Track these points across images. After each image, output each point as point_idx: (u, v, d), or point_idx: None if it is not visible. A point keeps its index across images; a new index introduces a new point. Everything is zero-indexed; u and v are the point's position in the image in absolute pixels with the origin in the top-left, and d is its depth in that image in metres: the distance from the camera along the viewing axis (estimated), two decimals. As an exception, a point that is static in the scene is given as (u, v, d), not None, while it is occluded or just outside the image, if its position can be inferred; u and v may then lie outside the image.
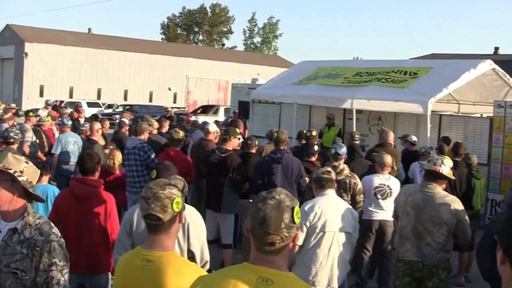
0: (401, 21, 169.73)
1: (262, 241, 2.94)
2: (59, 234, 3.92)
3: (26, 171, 3.95)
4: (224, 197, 9.75)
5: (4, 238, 3.87)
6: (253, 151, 11.11)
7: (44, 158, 14.23)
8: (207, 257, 5.48)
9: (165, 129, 15.35)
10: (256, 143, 11.32)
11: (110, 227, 6.36)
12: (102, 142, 13.21)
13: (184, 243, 5.29)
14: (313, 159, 10.94)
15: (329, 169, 7.20)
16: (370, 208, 9.46)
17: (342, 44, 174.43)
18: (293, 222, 2.95)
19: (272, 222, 2.90)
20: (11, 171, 3.86)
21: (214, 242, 9.76)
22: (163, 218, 3.56)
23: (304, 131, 13.61)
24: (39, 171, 4.14)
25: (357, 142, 12.98)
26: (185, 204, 5.57)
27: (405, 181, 12.03)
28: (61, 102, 44.96)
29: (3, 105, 31.23)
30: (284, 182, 9.65)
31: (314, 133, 13.20)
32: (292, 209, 2.96)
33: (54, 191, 9.15)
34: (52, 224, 3.96)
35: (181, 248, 5.24)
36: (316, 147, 11.15)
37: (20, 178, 3.88)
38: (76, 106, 21.42)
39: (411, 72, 16.97)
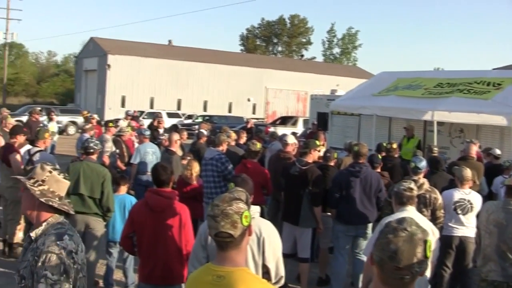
0: (483, 31, 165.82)
1: (391, 276, 2.82)
2: (69, 248, 3.80)
3: (48, 180, 3.98)
4: (303, 210, 9.63)
5: (24, 245, 4.00)
6: (332, 163, 10.98)
7: (123, 168, 14.44)
8: (282, 272, 5.38)
9: (243, 140, 15.35)
10: (335, 156, 11.18)
11: (185, 239, 6.34)
12: (180, 152, 13.29)
13: (259, 258, 5.21)
14: (378, 170, 10.78)
15: (412, 185, 6.98)
16: (450, 224, 9.18)
17: (422, 54, 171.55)
18: (425, 256, 2.82)
19: (404, 257, 2.77)
20: (32, 181, 3.93)
21: (290, 256, 9.66)
22: (234, 234, 3.47)
23: (384, 144, 13.37)
24: (65, 182, 4.10)
25: (435, 155, 12.64)
26: (261, 218, 5.53)
27: (488, 196, 11.67)
28: (141, 112, 45.76)
29: (86, 113, 31.97)
30: (362, 196, 9.49)
31: (394, 145, 12.95)
32: (425, 242, 2.83)
33: (131, 201, 9.25)
34: (66, 237, 3.84)
35: (256, 262, 5.17)
36: (379, 157, 10.98)
37: (40, 187, 3.93)
38: (156, 117, 21.69)
39: (495, 83, 16.49)
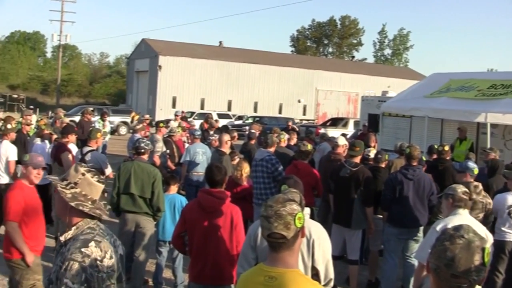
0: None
1: (448, 284, 2.77)
2: (93, 256, 3.70)
3: (80, 183, 3.93)
4: (354, 212, 9.55)
5: (56, 248, 3.95)
6: (383, 165, 10.87)
7: (174, 168, 14.53)
8: (331, 274, 5.32)
9: (293, 141, 15.30)
10: (386, 158, 11.07)
11: (236, 240, 6.32)
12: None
13: (308, 260, 5.16)
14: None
15: (468, 189, 6.83)
16: (503, 228, 9.00)
17: (475, 55, 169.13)
18: (483, 264, 2.76)
19: (461, 265, 2.73)
20: (64, 183, 3.90)
21: (340, 258, 9.59)
22: (287, 236, 3.44)
23: (436, 146, 13.18)
24: (98, 185, 4.01)
25: (495, 158, 12.33)
26: (311, 220, 5.49)
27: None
28: (192, 113, 46.03)
29: (138, 116, 32.30)
30: (415, 199, 9.38)
31: (446, 147, 12.74)
32: (483, 249, 2.77)
33: (181, 200, 9.30)
34: (93, 243, 3.75)
35: (305, 264, 5.13)
36: (424, 159, 10.85)
37: (72, 190, 3.88)
38: (207, 117, 21.78)
39: (551, 84, 16.15)
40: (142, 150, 9.04)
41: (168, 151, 14.71)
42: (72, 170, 3.97)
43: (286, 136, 14.63)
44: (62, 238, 3.84)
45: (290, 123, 30.18)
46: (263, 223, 3.52)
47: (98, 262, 3.70)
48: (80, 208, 3.85)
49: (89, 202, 3.91)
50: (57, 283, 3.69)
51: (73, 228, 3.86)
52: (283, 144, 13.81)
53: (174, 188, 9.55)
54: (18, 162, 11.97)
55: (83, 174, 3.94)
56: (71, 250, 3.68)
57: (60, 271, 3.66)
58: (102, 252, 3.74)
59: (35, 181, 7.16)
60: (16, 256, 6.82)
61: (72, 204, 3.84)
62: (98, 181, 3.99)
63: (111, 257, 3.79)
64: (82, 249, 3.67)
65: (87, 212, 3.87)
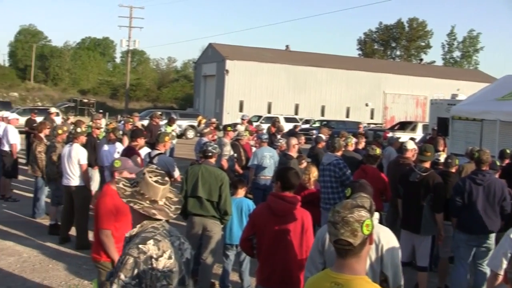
0: None
1: None
2: (149, 253, 3.75)
3: (140, 183, 3.98)
4: (423, 218, 9.39)
5: (124, 244, 4.00)
6: (453, 170, 10.66)
7: (241, 171, 14.57)
8: (400, 280, 5.26)
9: (362, 145, 15.18)
10: (456, 162, 10.85)
11: (305, 244, 6.27)
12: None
13: (377, 265, 5.11)
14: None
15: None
16: None
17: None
18: None
19: None
20: (131, 180, 3.99)
21: (408, 264, 9.45)
22: (354, 243, 3.40)
23: (507, 150, 12.85)
24: (157, 186, 4.02)
25: None
26: (380, 225, 5.42)
27: None
28: (259, 117, 46.17)
29: (205, 120, 32.55)
30: (485, 205, 9.16)
31: (519, 152, 12.44)
32: None
33: (249, 204, 9.30)
34: (151, 241, 3.80)
35: (374, 270, 5.07)
36: (497, 163, 10.58)
37: (132, 188, 3.97)
38: (274, 121, 21.80)
39: None
40: (210, 154, 9.08)
41: (235, 154, 14.76)
42: (141, 170, 4.06)
43: (354, 140, 14.52)
44: (127, 235, 3.93)
45: (361, 127, 29.95)
46: (330, 229, 3.49)
47: (153, 260, 3.73)
48: (131, 205, 3.92)
49: (147, 202, 3.95)
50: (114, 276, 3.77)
51: (138, 226, 3.93)
52: (351, 148, 13.70)
53: (241, 192, 9.56)
54: (88, 165, 12.21)
55: (143, 174, 4.00)
56: (130, 245, 3.77)
57: (118, 266, 3.76)
58: (160, 251, 3.78)
59: None
60: (105, 259, 6.94)
61: (125, 200, 3.93)
62: (157, 181, 4.01)
63: (169, 258, 3.81)
64: (140, 246, 3.74)
65: (137, 209, 3.92)
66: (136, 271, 3.68)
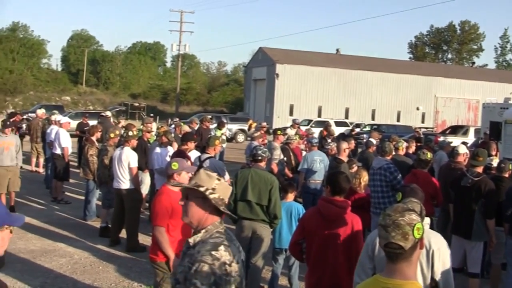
0: None
1: None
2: (223, 259, 3.71)
3: (218, 188, 3.94)
4: (475, 223, 9.23)
5: (183, 250, 3.97)
6: (506, 175, 10.46)
7: (291, 175, 14.55)
8: (451, 286, 5.16)
9: (412, 149, 15.02)
10: (509, 167, 10.64)
11: (355, 249, 6.22)
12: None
13: (427, 271, 5.05)
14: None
15: None
16: None
17: None
18: None
19: None
20: (203, 189, 3.88)
21: (460, 270, 9.29)
22: (405, 246, 3.36)
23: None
24: (230, 188, 4.08)
25: None
26: (431, 230, 5.35)
27: None
28: (309, 121, 46.09)
29: (255, 124, 32.58)
30: (540, 210, 8.96)
31: None
32: None
33: (298, 208, 9.25)
34: (222, 247, 3.75)
35: (424, 276, 5.02)
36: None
37: (211, 196, 3.89)
38: (326, 126, 21.73)
39: None
40: (260, 157, 9.07)
41: (285, 158, 14.73)
42: (204, 176, 3.99)
43: (405, 144, 14.37)
44: (191, 241, 3.87)
45: (418, 131, 29.68)
46: (380, 232, 3.46)
47: (227, 265, 3.71)
48: (207, 193, 3.90)
49: (224, 206, 3.98)
50: (185, 283, 3.72)
51: (202, 231, 3.88)
52: (402, 152, 13.56)
53: (291, 196, 9.52)
54: (138, 168, 12.32)
55: (219, 180, 4.00)
56: (202, 252, 3.72)
57: (189, 272, 3.70)
58: (231, 256, 3.76)
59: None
60: (161, 258, 7.02)
61: (202, 189, 3.90)
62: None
63: (237, 262, 3.81)
64: (212, 252, 3.71)
65: (212, 199, 3.91)
66: (212, 278, 3.65)
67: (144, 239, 11.90)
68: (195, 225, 3.91)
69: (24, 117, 29.52)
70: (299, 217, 8.53)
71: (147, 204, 14.16)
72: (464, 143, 14.48)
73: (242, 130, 44.31)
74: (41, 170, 21.62)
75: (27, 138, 23.29)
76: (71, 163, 17.77)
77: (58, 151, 16.78)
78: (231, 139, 40.60)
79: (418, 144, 18.20)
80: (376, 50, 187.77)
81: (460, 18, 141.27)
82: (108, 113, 25.15)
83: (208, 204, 3.90)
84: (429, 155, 10.79)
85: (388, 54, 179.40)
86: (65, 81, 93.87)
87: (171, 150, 13.01)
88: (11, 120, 21.41)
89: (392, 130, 40.81)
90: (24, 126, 24.06)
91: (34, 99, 75.10)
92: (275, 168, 13.58)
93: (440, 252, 5.12)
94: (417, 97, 68.35)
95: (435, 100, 69.91)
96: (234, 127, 44.14)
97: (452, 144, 16.29)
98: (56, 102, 68.24)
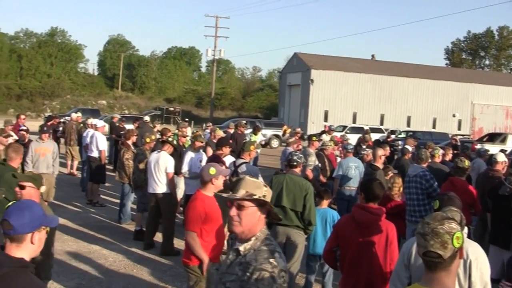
0: None
1: None
2: (280, 266, 3.70)
3: (267, 195, 3.92)
4: (514, 233, 9.10)
5: (229, 257, 3.90)
6: (545, 184, 10.30)
7: (325, 181, 14.49)
8: (489, 298, 5.08)
9: (449, 157, 14.87)
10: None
11: (390, 257, 6.16)
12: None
13: (465, 282, 4.96)
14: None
15: None
16: None
17: None
18: None
19: None
20: (256, 197, 3.84)
21: (498, 281, 9.14)
22: (443, 255, 3.31)
23: None
24: (271, 192, 4.05)
25: None
26: (468, 240, 5.27)
27: None
28: (344, 127, 45.92)
29: (289, 129, 32.56)
30: None
31: None
32: None
33: (333, 215, 9.22)
34: (276, 254, 3.75)
35: (461, 286, 4.94)
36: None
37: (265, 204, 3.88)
38: (365, 132, 21.64)
39: None
40: (295, 163, 9.04)
41: (319, 164, 14.68)
42: (253, 183, 3.95)
43: (441, 151, 14.21)
44: (242, 249, 3.82)
45: (455, 138, 29.38)
46: (419, 240, 3.42)
47: (283, 272, 3.71)
48: (259, 195, 3.88)
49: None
50: None
51: (253, 239, 3.84)
52: (438, 159, 13.42)
53: (326, 202, 9.48)
54: (174, 172, 12.36)
55: (266, 186, 3.98)
56: (260, 260, 3.70)
57: (248, 281, 3.68)
58: (284, 263, 3.78)
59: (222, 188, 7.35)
60: (194, 262, 7.04)
61: (258, 193, 3.87)
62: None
63: (288, 268, 3.85)
64: (271, 260, 3.70)
65: (263, 199, 3.90)
66: (274, 286, 3.64)
67: (179, 243, 11.92)
68: (246, 234, 3.86)
69: (61, 120, 29.85)
70: (334, 223, 8.48)
71: (181, 209, 14.20)
72: (502, 150, 14.32)
73: (277, 136, 44.35)
74: (75, 172, 21.83)
75: (62, 141, 23.56)
76: (107, 166, 17.92)
77: (94, 154, 16.95)
78: (265, 144, 40.62)
79: (455, 151, 17.98)
80: (412, 56, 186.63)
81: (498, 24, 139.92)
82: (147, 118, 25.38)
83: (260, 211, 3.89)
84: (467, 162, 10.66)
85: (424, 60, 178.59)
86: (101, 85, 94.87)
87: (203, 155, 13.05)
88: (49, 124, 21.69)
89: (428, 137, 40.47)
90: (61, 129, 24.33)
91: (71, 102, 75.97)
92: (310, 174, 13.52)
93: (477, 262, 5.03)
94: (453, 103, 67.67)
95: (472, 107, 69.15)
96: (269, 132, 44.12)
97: (489, 152, 16.12)
98: (92, 106, 68.89)
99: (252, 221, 3.85)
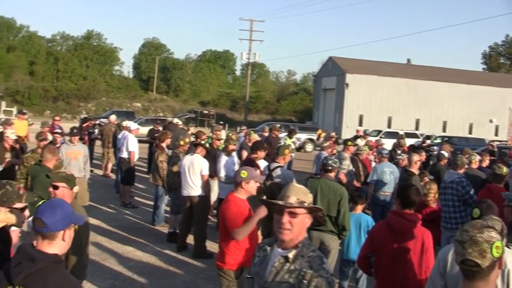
0: None
1: None
2: (330, 271, 3.71)
3: (311, 202, 3.89)
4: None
5: (275, 265, 3.82)
6: None
7: (358, 186, 14.40)
8: (528, 309, 4.97)
9: (486, 163, 14.67)
10: None
11: (425, 264, 6.08)
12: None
13: (503, 292, 4.85)
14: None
15: None
16: None
17: None
18: None
19: None
20: (306, 203, 3.81)
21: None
22: (482, 264, 3.24)
23: None
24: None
25: None
26: (507, 249, 5.15)
27: None
28: (379, 132, 45.66)
29: (324, 133, 32.46)
30: None
31: None
32: None
33: (367, 220, 9.15)
34: (324, 260, 3.76)
35: (499, 297, 4.81)
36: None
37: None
38: (399, 138, 21.47)
39: None
40: (330, 168, 8.98)
41: (353, 169, 14.59)
42: (300, 190, 3.91)
43: (478, 157, 14.02)
44: (290, 256, 3.77)
45: (492, 144, 29.02)
46: (457, 247, 3.36)
47: (333, 277, 3.74)
48: (307, 203, 3.85)
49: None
50: None
51: (299, 245, 3.81)
52: (475, 165, 13.24)
53: (360, 208, 9.42)
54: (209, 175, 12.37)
55: (309, 192, 3.95)
56: (315, 267, 3.68)
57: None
58: (329, 268, 3.77)
59: (255, 193, 7.28)
60: (228, 266, 6.95)
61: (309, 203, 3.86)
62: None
63: None
64: (323, 266, 3.70)
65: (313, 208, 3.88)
66: None
67: (211, 246, 11.93)
68: (294, 241, 3.82)
69: (96, 122, 30.09)
70: (368, 229, 8.42)
71: (215, 211, 14.21)
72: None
73: (311, 140, 44.24)
74: (110, 174, 21.99)
75: (98, 143, 23.73)
76: (139, 168, 17.97)
77: (124, 155, 17.03)
78: (299, 148, 40.53)
79: (492, 157, 17.71)
80: (448, 60, 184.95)
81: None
82: (177, 120, 25.43)
83: (308, 218, 3.85)
84: (505, 169, 10.49)
85: (461, 65, 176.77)
86: (136, 88, 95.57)
87: (235, 158, 13.05)
88: (84, 125, 21.83)
89: (464, 142, 40.06)
90: (96, 131, 24.50)
91: (106, 105, 76.77)
92: (343, 178, 13.44)
93: (516, 273, 4.92)
94: (490, 109, 66.97)
95: (510, 113, 68.39)
96: (303, 136, 44.01)
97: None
98: (127, 108, 69.52)
99: (301, 228, 3.81)
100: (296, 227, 3.76)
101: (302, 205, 3.79)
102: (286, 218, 3.75)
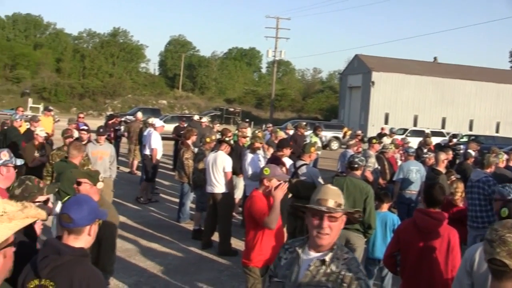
0: None
1: None
2: (365, 273, 3.71)
3: (344, 204, 3.85)
4: None
5: (310, 269, 3.73)
6: None
7: (383, 184, 14.33)
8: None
9: (513, 162, 14.52)
10: None
11: (451, 263, 6.05)
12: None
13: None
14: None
15: None
16: None
17: None
18: None
19: None
20: (342, 207, 3.76)
21: None
22: (510, 264, 3.19)
23: None
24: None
25: None
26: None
27: None
28: (405, 130, 45.41)
29: (350, 131, 32.36)
30: None
31: None
32: None
33: (393, 219, 9.10)
34: (359, 261, 3.75)
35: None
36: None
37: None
38: (425, 137, 21.34)
39: None
40: (356, 166, 8.96)
41: (379, 167, 14.52)
42: (337, 192, 3.86)
43: (505, 156, 13.89)
44: (327, 259, 3.69)
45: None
46: (485, 246, 3.32)
47: (366, 277, 3.73)
48: (341, 209, 3.81)
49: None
50: None
51: (334, 247, 3.75)
52: (502, 164, 13.12)
53: (386, 206, 9.37)
54: (233, 172, 12.38)
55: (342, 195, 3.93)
56: (353, 269, 3.65)
57: None
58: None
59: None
60: (254, 264, 6.96)
61: (342, 210, 3.81)
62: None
63: None
64: (360, 267, 3.70)
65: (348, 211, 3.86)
66: None
67: (236, 243, 11.95)
68: (331, 242, 3.77)
69: (122, 119, 30.21)
70: (394, 228, 8.39)
71: (240, 209, 14.22)
72: None
73: (336, 138, 44.11)
74: (136, 171, 22.08)
75: (124, 140, 23.84)
76: (164, 165, 17.99)
77: (147, 151, 17.06)
78: (325, 146, 40.42)
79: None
80: (475, 58, 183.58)
81: None
82: (197, 117, 25.46)
83: (343, 220, 3.81)
84: (532, 168, 10.40)
85: (488, 63, 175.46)
86: (162, 85, 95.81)
87: (260, 155, 13.03)
88: (110, 122, 21.93)
89: (491, 141, 39.67)
90: (122, 128, 24.61)
91: (132, 102, 77.17)
92: (370, 176, 13.39)
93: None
94: (518, 107, 66.28)
95: (537, 111, 67.63)
96: (329, 134, 43.89)
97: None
98: (153, 106, 69.82)
99: (339, 231, 3.78)
100: (334, 231, 3.71)
101: (341, 208, 3.74)
102: (326, 223, 3.67)
